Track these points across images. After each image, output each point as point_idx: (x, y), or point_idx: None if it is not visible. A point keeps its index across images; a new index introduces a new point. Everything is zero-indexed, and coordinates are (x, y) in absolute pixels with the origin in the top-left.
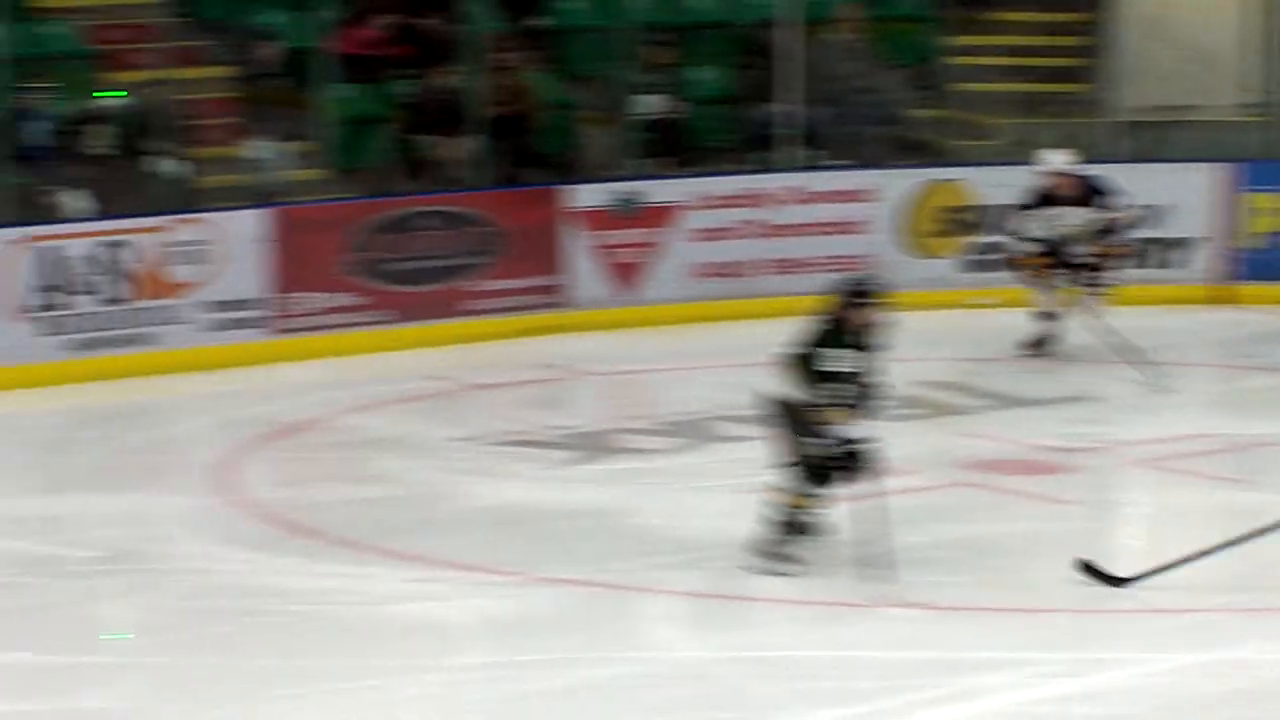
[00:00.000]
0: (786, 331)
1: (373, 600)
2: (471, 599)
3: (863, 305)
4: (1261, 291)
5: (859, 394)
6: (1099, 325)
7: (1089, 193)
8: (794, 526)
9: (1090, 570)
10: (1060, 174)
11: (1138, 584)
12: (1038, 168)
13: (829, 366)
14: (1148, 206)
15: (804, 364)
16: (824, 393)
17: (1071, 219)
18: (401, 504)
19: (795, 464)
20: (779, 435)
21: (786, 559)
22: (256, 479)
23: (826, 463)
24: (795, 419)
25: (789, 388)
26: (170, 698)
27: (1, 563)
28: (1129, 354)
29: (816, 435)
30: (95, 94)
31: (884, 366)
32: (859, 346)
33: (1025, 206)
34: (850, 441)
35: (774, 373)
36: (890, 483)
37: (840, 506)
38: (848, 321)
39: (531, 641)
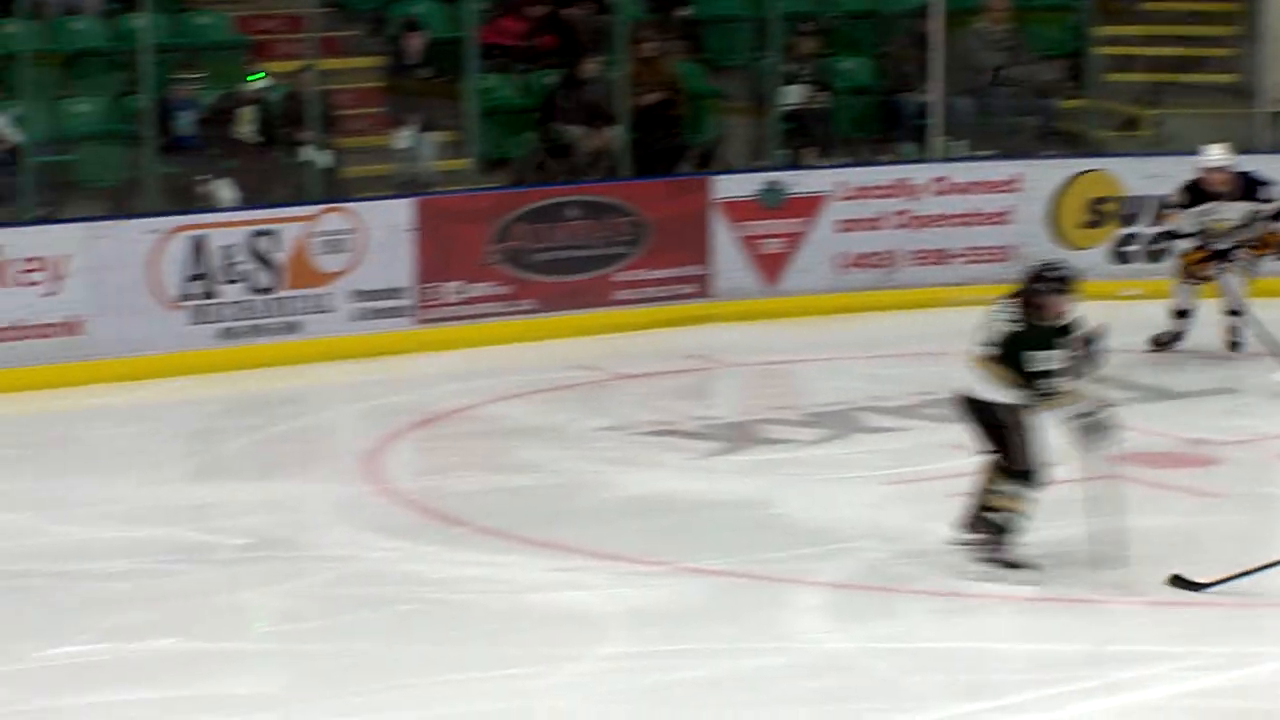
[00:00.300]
0: (959, 324)
1: (516, 589)
2: (615, 589)
3: (1059, 292)
4: None
5: (1066, 382)
6: (1245, 317)
7: (1247, 187)
8: (1007, 528)
9: (1180, 582)
10: (1219, 169)
11: (1217, 589)
12: (1199, 161)
13: (1037, 365)
14: (1273, 183)
15: (1008, 362)
16: (1032, 389)
17: (1227, 214)
18: (545, 493)
19: (1006, 465)
20: (986, 436)
21: (1015, 561)
22: (401, 467)
23: (1037, 463)
24: (1003, 420)
25: (989, 386)
26: (315, 685)
27: (151, 550)
28: (1273, 345)
29: (1025, 435)
30: (249, 77)
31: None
32: (1058, 334)
33: (1180, 202)
34: (1087, 414)
35: (970, 369)
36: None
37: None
38: (1043, 310)
39: (675, 632)
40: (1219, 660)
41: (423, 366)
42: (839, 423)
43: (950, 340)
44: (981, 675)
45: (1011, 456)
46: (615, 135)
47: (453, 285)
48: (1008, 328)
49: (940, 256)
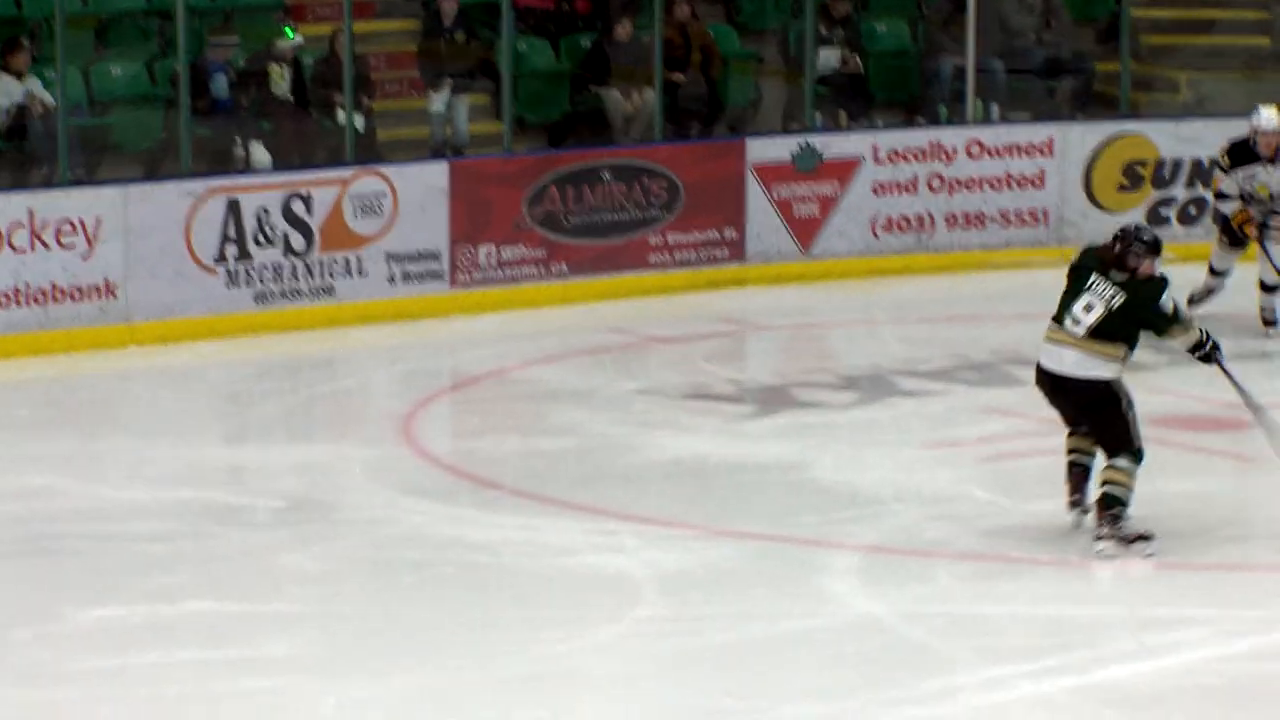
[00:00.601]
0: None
1: (551, 552)
2: (648, 551)
3: (1155, 254)
4: None
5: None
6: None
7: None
8: (1124, 504)
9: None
10: (1267, 132)
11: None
12: (1253, 122)
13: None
14: None
15: (1118, 334)
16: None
17: (1272, 179)
18: (578, 456)
19: (1112, 443)
20: (1082, 414)
21: (1136, 534)
22: (436, 430)
23: (1140, 437)
24: (1105, 397)
25: (1085, 362)
26: (351, 647)
27: (186, 512)
28: None
29: (1129, 411)
30: (284, 30)
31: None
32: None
33: (1226, 163)
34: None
35: (1060, 343)
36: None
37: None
38: (1137, 273)
39: (708, 595)
40: (1251, 624)
41: (457, 330)
42: (873, 386)
43: (985, 304)
44: (1013, 639)
45: (1117, 434)
46: (649, 98)
47: (487, 249)
48: (1113, 297)
49: (974, 220)
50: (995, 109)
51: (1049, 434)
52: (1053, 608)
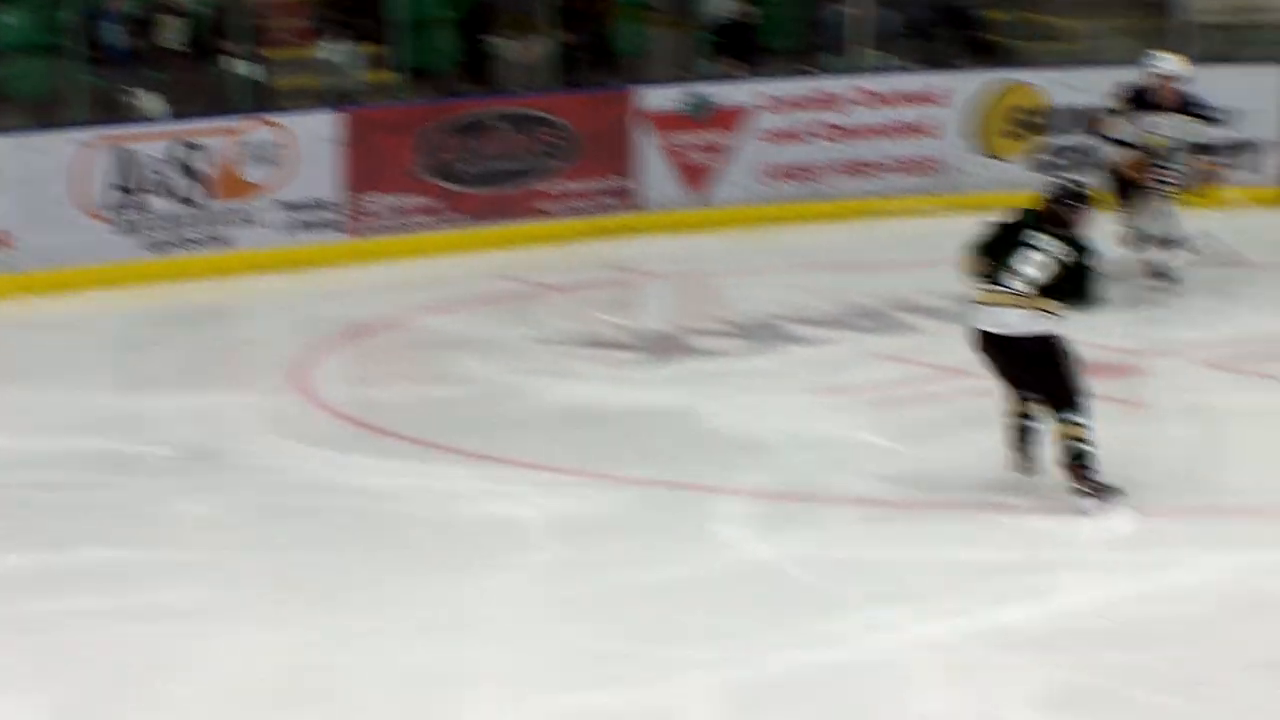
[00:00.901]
0: (884, 235)
1: (446, 498)
2: (543, 498)
3: (1083, 210)
4: None
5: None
6: (1181, 245)
7: (1187, 105)
8: (1086, 456)
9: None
10: (1171, 78)
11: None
12: (1153, 69)
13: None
14: (1212, 107)
15: (1059, 287)
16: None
17: (1166, 129)
18: (474, 403)
19: (1057, 398)
20: (1021, 372)
21: (1106, 486)
22: (331, 378)
23: (1085, 385)
24: (1043, 353)
25: (1020, 319)
26: (246, 593)
27: (80, 461)
28: (1209, 249)
29: (1069, 363)
30: None
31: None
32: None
33: (1122, 108)
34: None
35: (991, 301)
36: (955, 385)
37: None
38: (1068, 226)
39: (603, 540)
40: (1140, 568)
41: (350, 279)
42: (765, 334)
43: (876, 251)
44: (903, 583)
45: (1067, 389)
46: (540, 47)
47: (380, 198)
48: (1059, 252)
49: (865, 168)
50: (885, 57)
51: (939, 380)
52: (944, 551)
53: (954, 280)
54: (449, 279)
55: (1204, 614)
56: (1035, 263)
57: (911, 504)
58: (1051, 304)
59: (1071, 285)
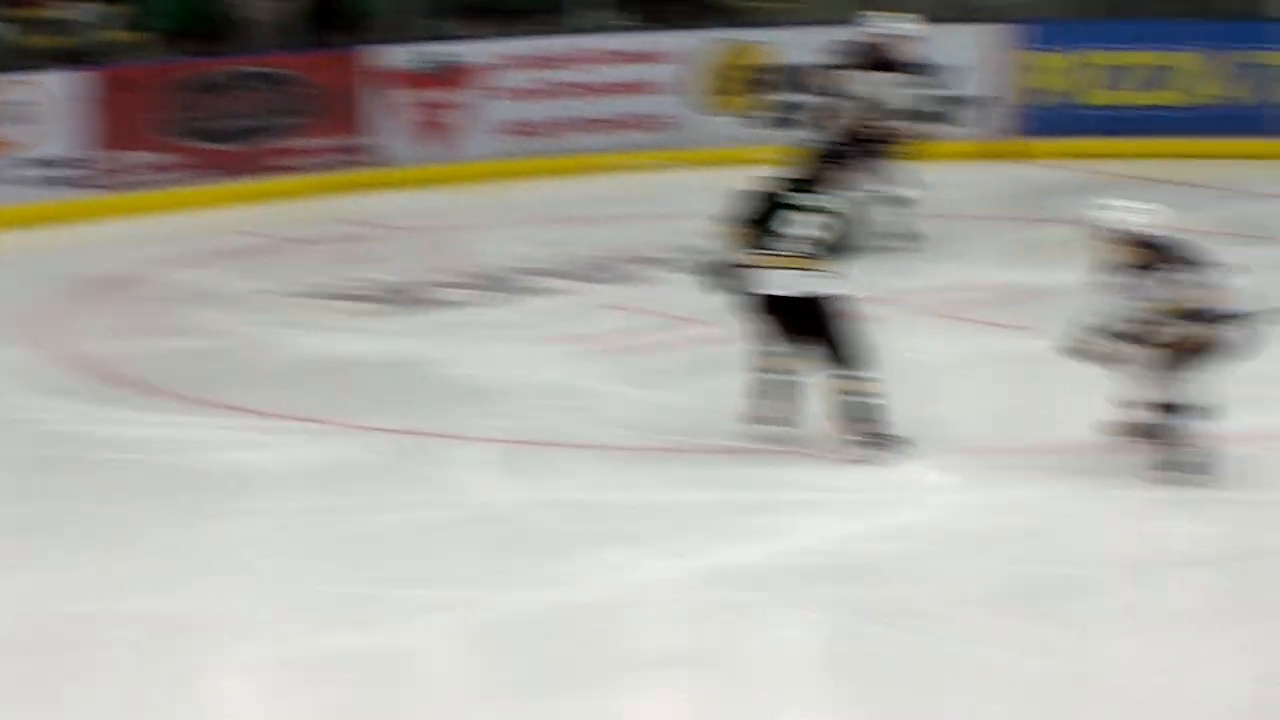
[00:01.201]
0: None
1: (196, 448)
2: (289, 447)
3: (843, 168)
4: (1049, 147)
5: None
6: (901, 182)
7: (909, 63)
8: (872, 411)
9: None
10: (889, 37)
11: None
12: (869, 28)
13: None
14: (936, 65)
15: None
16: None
17: (888, 85)
18: (219, 356)
19: (840, 355)
20: (803, 331)
21: (891, 438)
22: (79, 332)
23: (867, 342)
24: (825, 312)
25: (803, 280)
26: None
27: None
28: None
29: (848, 321)
30: None
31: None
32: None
33: (850, 64)
34: None
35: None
36: (685, 334)
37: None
38: (834, 185)
39: (347, 487)
40: (869, 507)
41: (101, 235)
42: (502, 285)
43: (609, 206)
44: (639, 525)
45: (851, 345)
46: (280, 6)
47: (130, 154)
48: (834, 212)
49: (599, 125)
50: (616, 17)
51: (671, 328)
52: (678, 494)
53: (684, 233)
54: (195, 234)
55: (930, 550)
56: (807, 223)
57: (647, 448)
58: (829, 262)
59: (840, 241)
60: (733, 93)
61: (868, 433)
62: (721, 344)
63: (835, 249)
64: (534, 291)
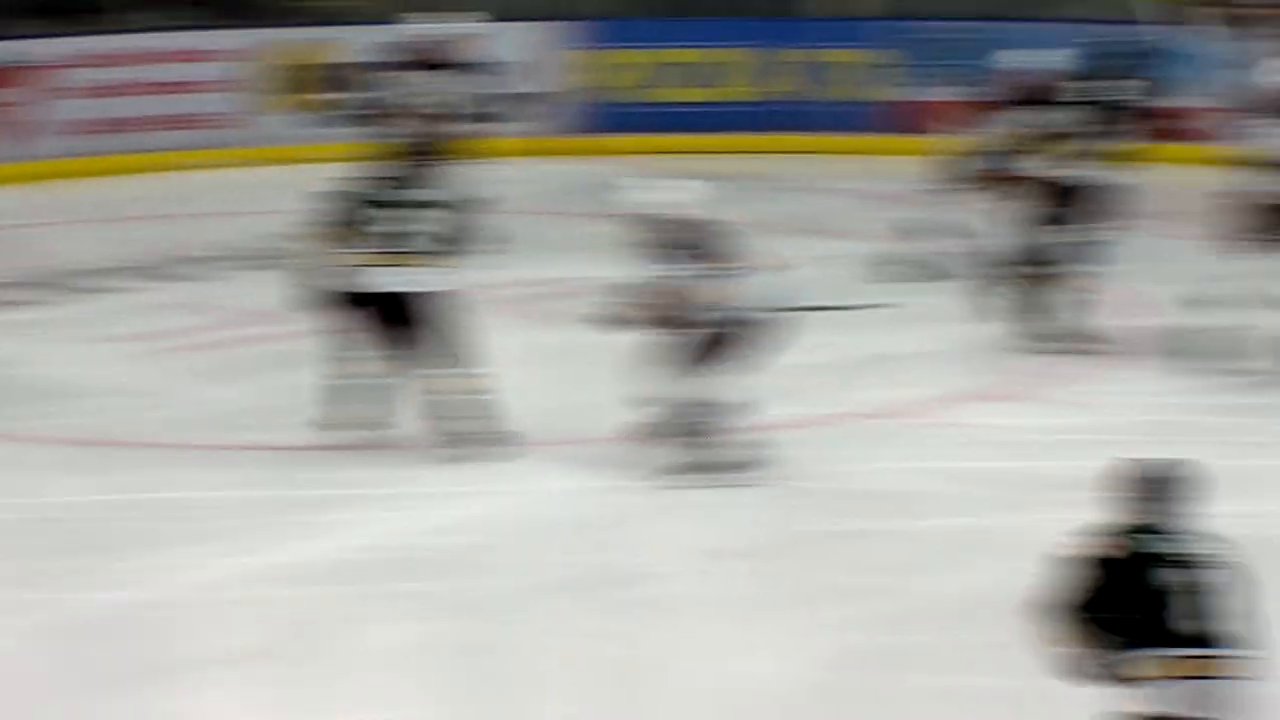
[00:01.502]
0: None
1: None
2: None
3: (441, 161)
4: (609, 143)
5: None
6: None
7: (462, 62)
8: (468, 405)
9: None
10: (444, 37)
11: None
12: (422, 28)
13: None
14: (494, 63)
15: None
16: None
17: (442, 86)
18: None
19: (436, 351)
20: (395, 329)
21: (483, 435)
22: None
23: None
24: (419, 309)
25: (395, 277)
26: None
27: None
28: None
29: (444, 318)
30: None
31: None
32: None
33: (393, 65)
34: None
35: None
36: (253, 331)
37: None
38: (422, 178)
39: None
40: (438, 500)
41: None
42: (70, 284)
43: (175, 204)
44: (206, 523)
45: (456, 343)
46: None
47: None
48: (443, 205)
49: (159, 123)
50: (158, 17)
51: (235, 325)
52: (244, 491)
53: (249, 231)
54: None
55: (489, 543)
56: (397, 220)
57: (216, 446)
58: (447, 258)
59: (435, 238)
60: (294, 91)
61: (464, 430)
62: (290, 341)
63: (429, 246)
64: (101, 290)
